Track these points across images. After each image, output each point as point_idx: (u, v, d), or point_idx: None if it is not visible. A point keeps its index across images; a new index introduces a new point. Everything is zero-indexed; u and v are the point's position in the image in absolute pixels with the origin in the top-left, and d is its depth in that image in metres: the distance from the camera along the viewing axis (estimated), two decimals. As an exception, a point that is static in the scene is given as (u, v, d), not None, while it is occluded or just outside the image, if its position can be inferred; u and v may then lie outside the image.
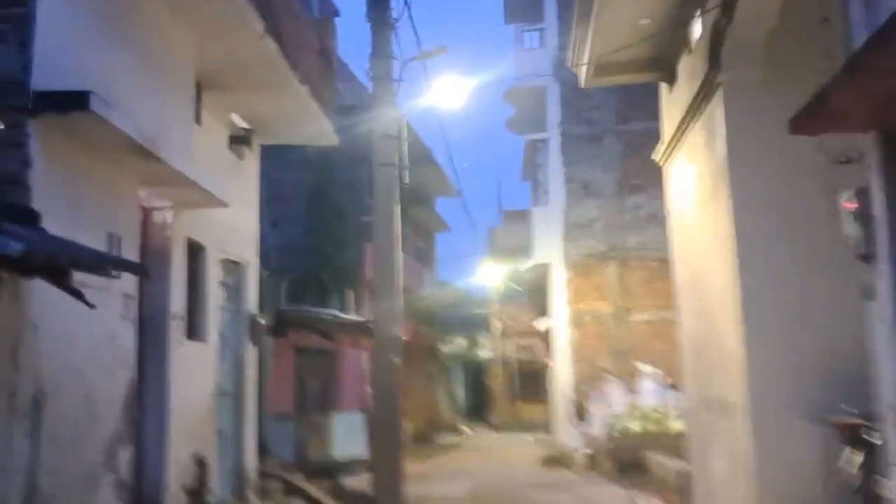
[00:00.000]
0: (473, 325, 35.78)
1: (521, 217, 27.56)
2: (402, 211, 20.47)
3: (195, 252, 7.26)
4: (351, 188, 15.31)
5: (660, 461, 10.56)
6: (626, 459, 13.09)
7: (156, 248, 6.10)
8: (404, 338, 19.33)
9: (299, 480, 9.31)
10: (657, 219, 16.56)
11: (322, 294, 14.00)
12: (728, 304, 6.77)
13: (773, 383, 6.26)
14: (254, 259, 8.83)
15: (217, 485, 7.24)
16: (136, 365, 5.35)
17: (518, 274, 23.78)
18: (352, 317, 10.66)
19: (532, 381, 32.82)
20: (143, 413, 5.85)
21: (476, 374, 36.35)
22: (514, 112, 21.78)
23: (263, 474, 8.85)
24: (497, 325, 35.12)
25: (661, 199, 16.62)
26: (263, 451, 9.78)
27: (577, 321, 16.32)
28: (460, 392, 36.08)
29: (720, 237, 6.99)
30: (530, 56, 19.65)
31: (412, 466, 18.05)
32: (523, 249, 20.00)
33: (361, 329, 10.71)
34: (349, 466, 11.21)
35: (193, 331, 6.96)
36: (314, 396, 13.66)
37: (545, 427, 29.66)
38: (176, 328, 6.18)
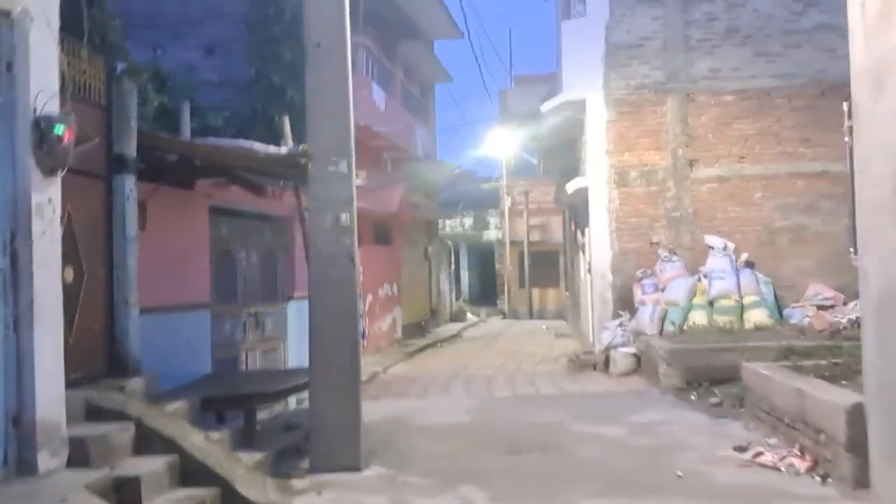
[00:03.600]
0: (481, 201, 31.68)
1: (536, 82, 23.98)
2: (388, 45, 15.67)
3: None
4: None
5: (777, 379, 6.50)
6: (695, 367, 9.17)
7: None
8: (391, 208, 15.01)
9: (173, 420, 5.31)
10: (738, 34, 11.93)
11: (274, 138, 9.82)
12: None
13: None
14: (42, 12, 4.49)
15: None
16: None
17: (535, 137, 19.53)
18: (275, 148, 6.39)
19: (546, 264, 29.43)
20: None
21: (484, 257, 32.69)
22: None
23: (98, 412, 4.87)
24: (507, 201, 31.14)
25: (745, 6, 12.06)
26: (123, 369, 5.81)
27: (621, 179, 12.01)
28: (465, 276, 32.46)
29: None
30: None
31: (394, 368, 13.71)
32: (537, 116, 15.72)
33: (287, 165, 6.47)
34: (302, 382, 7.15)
35: None
36: (252, 280, 9.59)
37: (560, 315, 26.23)
38: None
